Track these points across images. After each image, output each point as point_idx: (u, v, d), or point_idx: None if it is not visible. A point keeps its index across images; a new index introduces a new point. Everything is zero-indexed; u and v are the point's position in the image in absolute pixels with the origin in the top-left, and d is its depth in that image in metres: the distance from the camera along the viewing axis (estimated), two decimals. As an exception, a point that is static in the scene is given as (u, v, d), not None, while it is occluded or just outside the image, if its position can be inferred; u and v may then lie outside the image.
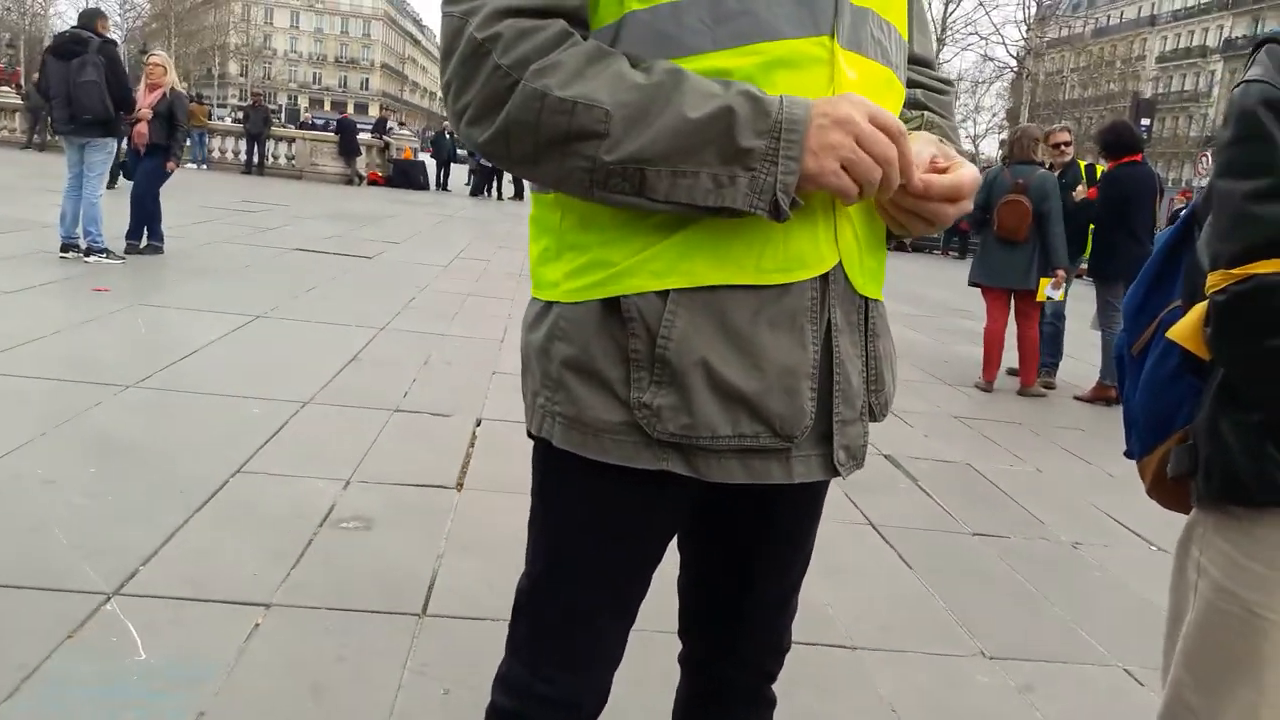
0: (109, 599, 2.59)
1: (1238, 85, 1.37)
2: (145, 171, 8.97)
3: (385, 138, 25.97)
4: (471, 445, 4.32)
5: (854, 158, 1.04)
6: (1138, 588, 3.62)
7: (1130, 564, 3.88)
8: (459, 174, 27.94)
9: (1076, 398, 7.23)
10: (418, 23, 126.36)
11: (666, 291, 1.11)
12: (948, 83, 1.43)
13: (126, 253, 8.54)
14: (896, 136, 1.06)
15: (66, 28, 8.95)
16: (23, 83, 27.82)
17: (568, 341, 1.16)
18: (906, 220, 1.19)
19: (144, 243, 8.83)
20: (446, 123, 27.73)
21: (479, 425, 4.63)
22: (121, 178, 12.73)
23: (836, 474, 1.22)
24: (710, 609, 1.44)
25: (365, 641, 2.56)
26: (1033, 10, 32.42)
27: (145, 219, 8.84)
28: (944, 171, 1.15)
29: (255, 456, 3.83)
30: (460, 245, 12.66)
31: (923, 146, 1.16)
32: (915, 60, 1.35)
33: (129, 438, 3.88)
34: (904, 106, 1.28)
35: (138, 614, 2.53)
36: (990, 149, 49.02)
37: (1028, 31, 33.23)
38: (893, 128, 1.06)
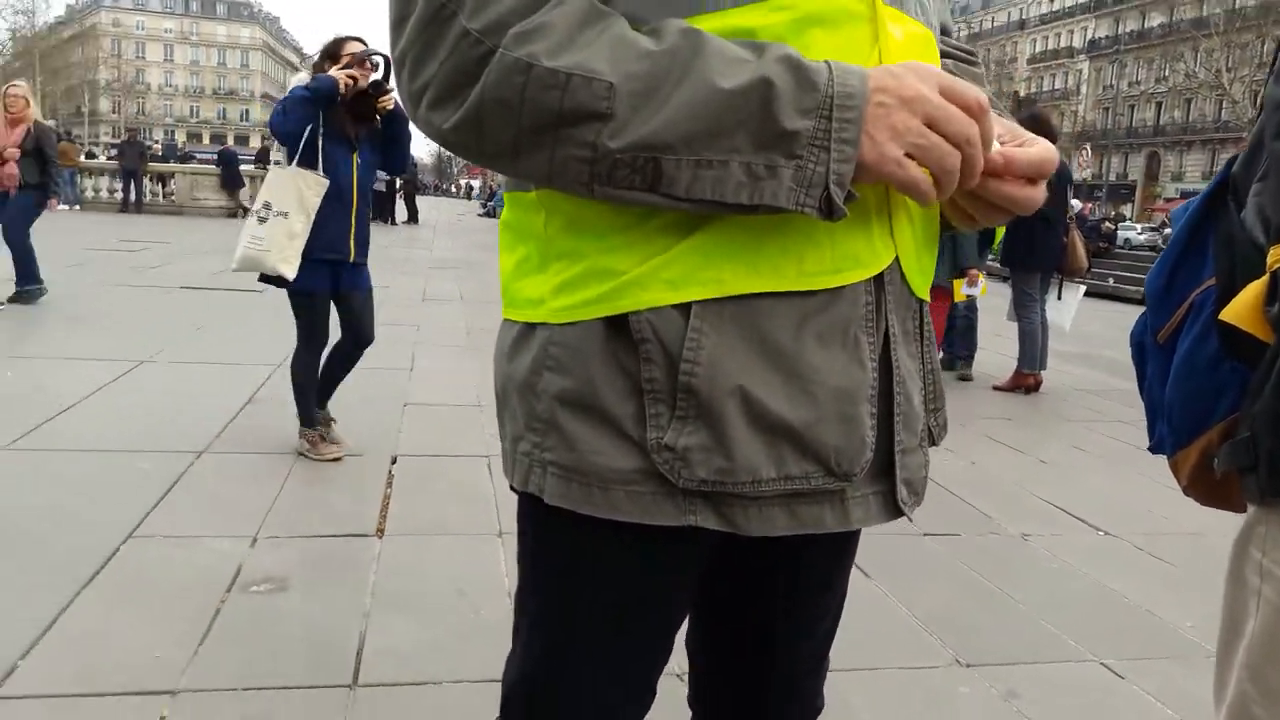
0: (-19, 703, 2.22)
1: None
2: (20, 210, 8.26)
3: (269, 168, 25.18)
4: (389, 485, 4.00)
5: (925, 143, 0.82)
6: (1094, 575, 3.52)
7: (1082, 551, 3.79)
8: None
9: (995, 387, 7.23)
10: (298, 51, 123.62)
11: (688, 305, 0.88)
12: (973, 54, 1.22)
13: (13, 300, 7.94)
14: (978, 112, 0.84)
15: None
16: None
17: (562, 372, 0.91)
18: (979, 209, 0.97)
19: (17, 288, 8.20)
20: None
21: (394, 463, 4.30)
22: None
23: (900, 514, 1.00)
24: (731, 672, 1.19)
25: (290, 723, 2.25)
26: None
27: (18, 259, 8.19)
28: (1020, 147, 0.94)
29: (148, 518, 3.44)
30: (357, 273, 12.20)
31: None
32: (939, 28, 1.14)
33: (1, 508, 3.45)
34: None
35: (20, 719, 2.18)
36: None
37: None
38: (971, 101, 0.84)
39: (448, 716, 2.30)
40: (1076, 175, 35.53)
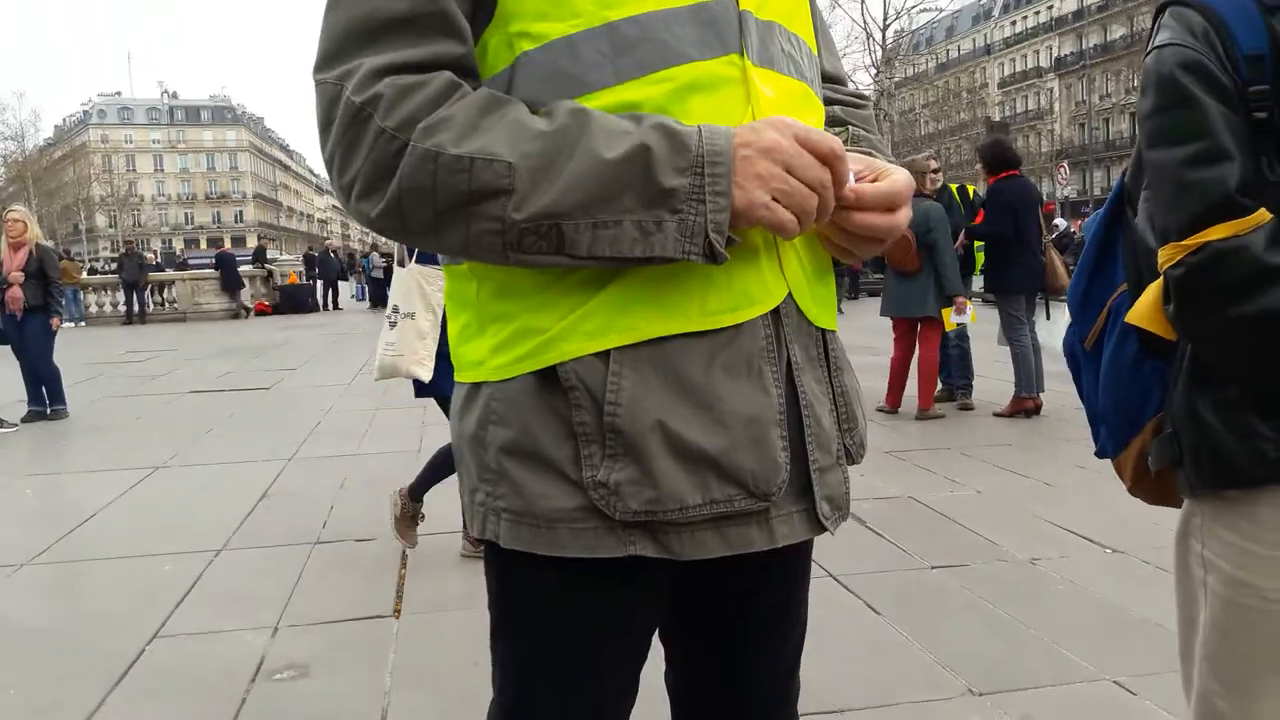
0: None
1: (1149, 51, 1.33)
2: (32, 335, 8.47)
3: (267, 266, 25.55)
4: (403, 567, 4.08)
5: (786, 188, 0.95)
6: (1104, 594, 3.56)
7: (1090, 571, 3.84)
8: (345, 290, 27.57)
9: (996, 414, 7.30)
10: (285, 149, 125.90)
11: (607, 352, 0.99)
12: (864, 97, 1.35)
13: (27, 420, 8.14)
14: (830, 158, 0.96)
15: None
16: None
17: (503, 424, 1.02)
18: (848, 242, 1.08)
19: (49, 408, 8.40)
20: (328, 241, 27.47)
21: (409, 543, 4.38)
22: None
23: (823, 529, 1.10)
24: (707, 701, 1.28)
25: (321, 804, 2.32)
26: (878, 54, 33.80)
27: (48, 382, 8.43)
28: (874, 181, 1.06)
29: (172, 617, 3.53)
30: (360, 361, 12.32)
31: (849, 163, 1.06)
32: (827, 78, 1.27)
33: (29, 620, 3.55)
34: (826, 124, 1.19)
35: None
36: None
37: (877, 74, 34.61)
38: (824, 148, 0.96)
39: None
40: (1059, 193, 35.84)
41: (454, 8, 0.98)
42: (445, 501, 4.96)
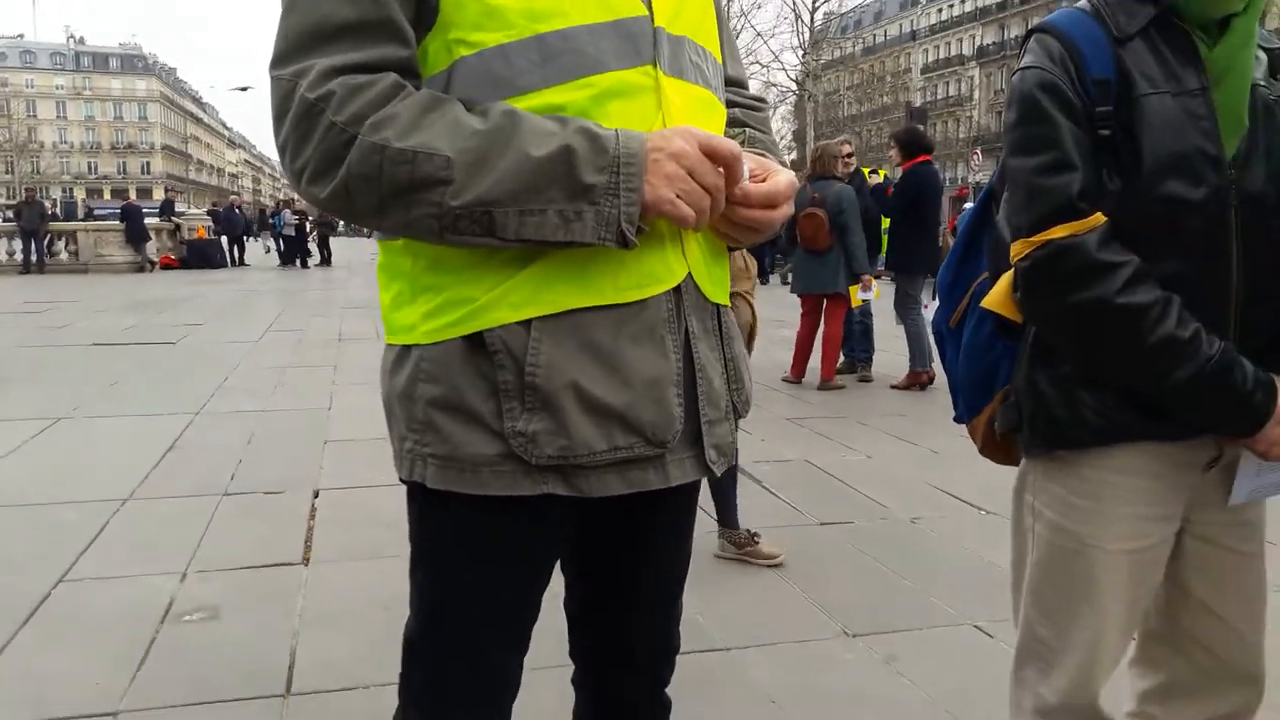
0: (-70, 737, 2.35)
1: (1016, 71, 1.52)
2: None
3: (175, 219, 24.84)
4: (312, 518, 4.16)
5: (688, 188, 1.10)
6: (974, 550, 3.85)
7: (964, 530, 4.13)
8: (254, 248, 26.93)
9: (893, 386, 7.63)
10: (197, 100, 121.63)
11: (529, 321, 1.13)
12: (762, 100, 1.52)
13: None
14: (730, 160, 1.13)
15: None
16: None
17: (433, 382, 1.16)
18: (735, 231, 1.24)
19: None
20: (233, 196, 26.80)
21: (317, 497, 4.46)
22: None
23: (710, 472, 1.26)
24: (599, 623, 1.45)
25: (228, 731, 2.43)
26: (806, 36, 34.12)
27: None
28: (762, 181, 1.21)
29: (79, 562, 3.57)
30: (270, 318, 12.20)
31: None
32: (730, 81, 1.42)
33: (-72, 565, 3.53)
34: (726, 125, 1.35)
35: (-34, 747, 2.32)
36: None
37: (804, 56, 34.97)
38: (725, 152, 1.12)
39: (380, 717, 2.49)
40: (973, 178, 36.73)
41: (399, 15, 1.09)
42: (349, 461, 5.05)
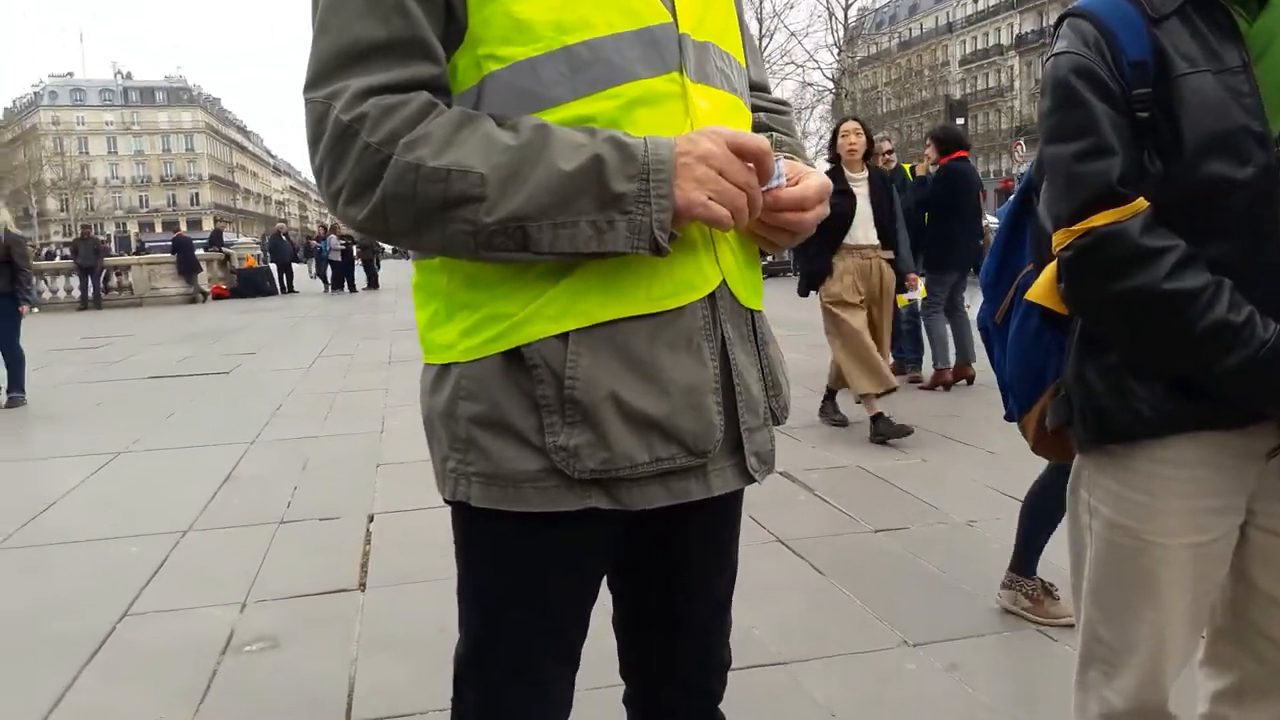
0: (3, 777, 2.40)
1: (1049, 58, 1.49)
2: (6, 319, 8.44)
3: (225, 249, 25.31)
4: (368, 543, 4.20)
5: (720, 188, 1.10)
6: (1035, 552, 3.76)
7: (1024, 531, 4.03)
8: (301, 273, 27.34)
9: (920, 386, 7.60)
10: (242, 129, 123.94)
11: (566, 334, 1.13)
12: (784, 103, 1.52)
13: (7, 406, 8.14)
14: (760, 156, 1.12)
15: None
16: None
17: (473, 399, 1.16)
18: (769, 234, 1.24)
19: (7, 395, 8.40)
20: (280, 224, 27.20)
21: (372, 521, 4.50)
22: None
23: (752, 480, 1.25)
24: (647, 639, 1.44)
25: (290, 762, 2.45)
26: (841, 33, 34.03)
27: (11, 367, 8.43)
28: (793, 184, 1.21)
29: (140, 596, 3.63)
30: (320, 344, 12.37)
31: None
32: (752, 86, 1.42)
33: (-2, 604, 3.62)
34: (752, 129, 1.34)
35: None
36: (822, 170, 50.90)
37: (840, 54, 34.87)
38: (754, 148, 1.12)
39: (437, 742, 2.50)
40: (1017, 169, 36.25)
41: (429, 34, 1.10)
42: (403, 484, 5.09)
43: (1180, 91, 1.37)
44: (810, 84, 39.02)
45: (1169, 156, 1.38)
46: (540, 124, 1.08)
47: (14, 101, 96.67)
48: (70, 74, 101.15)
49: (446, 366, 1.20)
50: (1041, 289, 1.55)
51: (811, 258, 6.06)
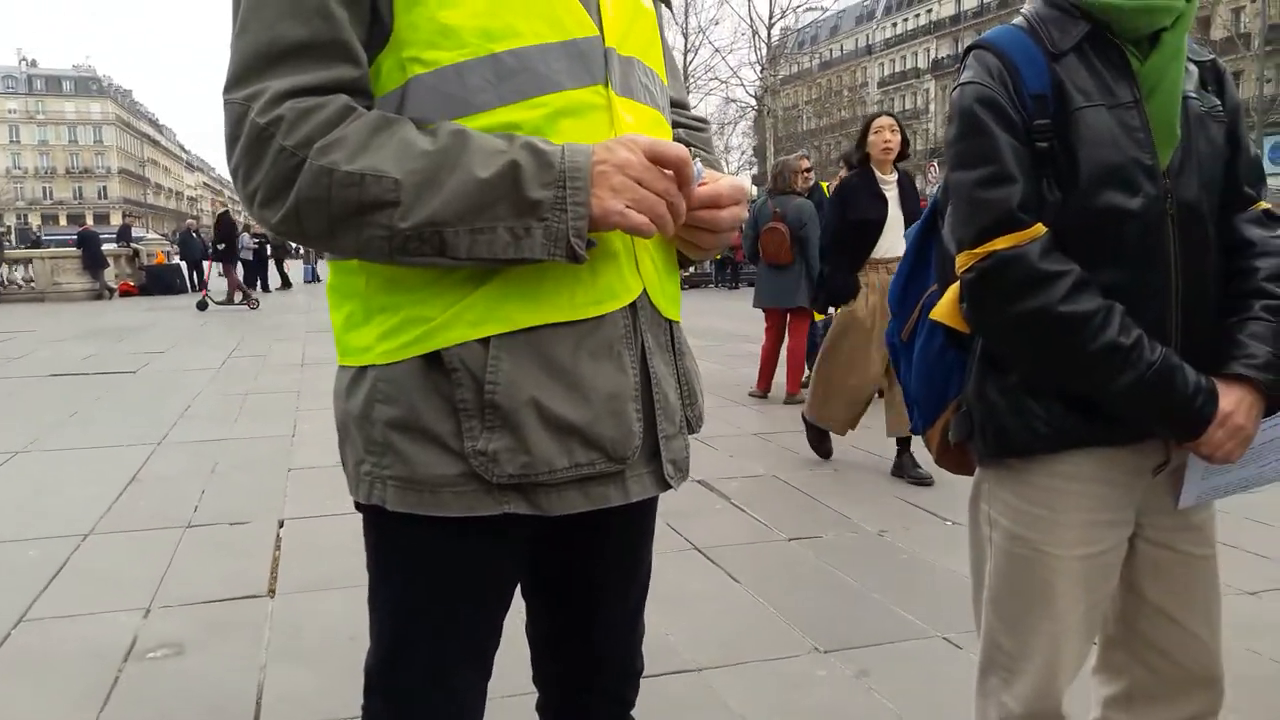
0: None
1: (955, 87, 1.55)
2: None
3: (133, 245, 24.53)
4: (278, 548, 4.12)
5: (638, 195, 1.11)
6: (941, 561, 3.88)
7: (931, 542, 4.16)
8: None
9: None
10: (154, 123, 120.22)
11: (487, 339, 1.13)
12: (704, 120, 1.54)
13: None
14: (678, 163, 1.13)
15: None
16: None
17: (390, 403, 1.16)
18: (691, 237, 1.26)
19: None
20: (189, 221, 26.44)
21: (282, 526, 4.41)
22: None
23: (668, 487, 1.27)
24: (561, 647, 1.45)
25: (195, 771, 2.39)
26: (764, 52, 34.49)
27: None
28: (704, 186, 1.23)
29: (38, 601, 3.50)
30: (231, 344, 12.06)
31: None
32: (672, 103, 1.44)
33: (-118, 608, 3.45)
34: None
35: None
36: (746, 185, 51.39)
37: (762, 72, 35.32)
38: (672, 155, 1.13)
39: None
40: (928, 190, 37.21)
41: (350, 35, 1.10)
42: (314, 489, 5.00)
43: (1077, 124, 1.45)
44: (733, 100, 39.45)
45: (1066, 185, 1.46)
46: (459, 129, 1.09)
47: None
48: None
49: (363, 369, 1.19)
50: (945, 309, 1.62)
51: (834, 272, 5.45)
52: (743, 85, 40.48)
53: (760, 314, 8.01)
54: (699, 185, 1.21)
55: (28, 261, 22.69)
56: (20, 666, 2.99)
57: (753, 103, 38.21)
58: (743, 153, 49.54)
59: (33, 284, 21.85)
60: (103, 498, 4.88)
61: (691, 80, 35.87)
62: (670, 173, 1.13)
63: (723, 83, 38.05)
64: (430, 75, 1.11)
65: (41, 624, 3.31)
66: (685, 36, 35.10)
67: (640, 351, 1.22)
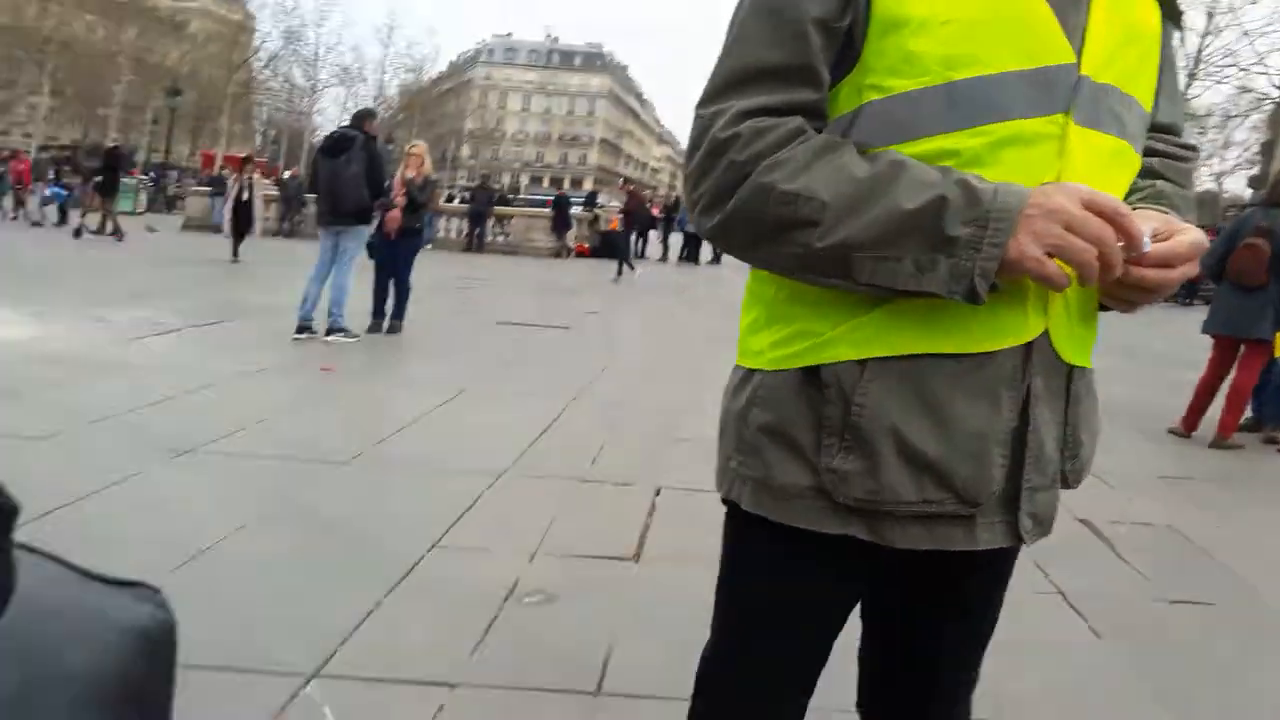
0: (308, 681, 2.72)
1: None
2: (412, 254, 9.64)
3: (595, 210, 27.03)
4: (650, 515, 4.42)
5: (1062, 243, 1.05)
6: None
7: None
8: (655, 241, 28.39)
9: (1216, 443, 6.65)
10: (640, 97, 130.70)
11: (865, 361, 1.15)
12: (1190, 148, 1.42)
13: (369, 332, 9.21)
14: (1113, 216, 1.06)
15: (329, 126, 9.82)
16: (283, 176, 30.31)
17: (765, 408, 1.22)
18: (1124, 292, 1.17)
19: (387, 323, 9.45)
20: (636, 188, 28.41)
21: (658, 494, 4.72)
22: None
23: (1021, 541, 1.23)
24: (893, 680, 1.45)
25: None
26: (1302, 34, 29.78)
27: (400, 298, 9.52)
28: (1164, 239, 1.13)
29: (450, 531, 4.05)
30: (656, 311, 12.92)
31: (1141, 223, 1.12)
32: (1159, 127, 1.35)
33: (339, 515, 4.19)
34: (1139, 175, 1.29)
35: (335, 696, 2.66)
36: (1237, 185, 44.91)
37: (1292, 56, 30.54)
38: (1107, 208, 1.06)
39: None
40: None
41: (819, 62, 1.15)
42: (697, 462, 5.26)
43: None
44: (1249, 89, 34.47)
45: None
46: (898, 160, 1.10)
47: (459, 56, 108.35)
48: (510, 34, 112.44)
49: (751, 372, 1.26)
50: None
51: None
52: (1266, 73, 35.26)
53: (1207, 340, 7.06)
54: (1159, 238, 1.12)
55: (509, 218, 25.96)
56: (425, 590, 3.45)
57: (1274, 93, 33.27)
58: (1246, 149, 43.13)
59: (510, 238, 24.98)
60: (519, 442, 5.51)
61: (1202, 66, 32.00)
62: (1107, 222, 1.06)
63: (1243, 71, 33.42)
64: (884, 101, 1.13)
65: (447, 553, 3.84)
66: (1210, 16, 31.37)
67: (1024, 395, 1.17)
